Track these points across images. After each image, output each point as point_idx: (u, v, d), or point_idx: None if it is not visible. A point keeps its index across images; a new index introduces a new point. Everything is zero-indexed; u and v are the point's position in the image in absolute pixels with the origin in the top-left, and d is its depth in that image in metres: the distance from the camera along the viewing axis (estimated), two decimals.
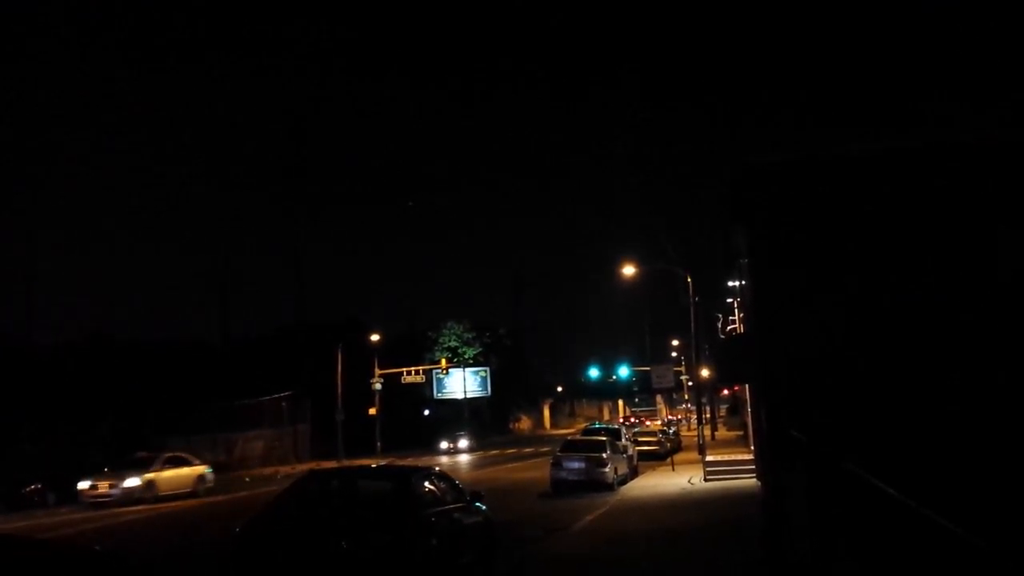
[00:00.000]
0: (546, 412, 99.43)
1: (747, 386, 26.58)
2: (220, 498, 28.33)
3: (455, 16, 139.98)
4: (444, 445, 56.19)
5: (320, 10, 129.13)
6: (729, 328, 39.70)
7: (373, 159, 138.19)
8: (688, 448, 43.29)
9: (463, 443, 57.59)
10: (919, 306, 12.41)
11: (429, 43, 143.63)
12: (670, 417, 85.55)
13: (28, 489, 27.97)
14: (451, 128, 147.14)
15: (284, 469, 42.61)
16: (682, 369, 59.25)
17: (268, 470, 43.46)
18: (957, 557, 4.68)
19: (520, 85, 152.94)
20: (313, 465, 38.89)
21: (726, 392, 61.44)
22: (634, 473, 29.56)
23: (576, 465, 25.08)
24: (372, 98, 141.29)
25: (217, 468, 39.21)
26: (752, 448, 26.53)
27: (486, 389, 70.55)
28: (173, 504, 26.65)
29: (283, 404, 50.25)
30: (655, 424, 58.79)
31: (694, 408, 56.03)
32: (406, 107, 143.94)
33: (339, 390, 47.95)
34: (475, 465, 40.54)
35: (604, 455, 25.38)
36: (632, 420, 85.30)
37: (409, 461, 36.93)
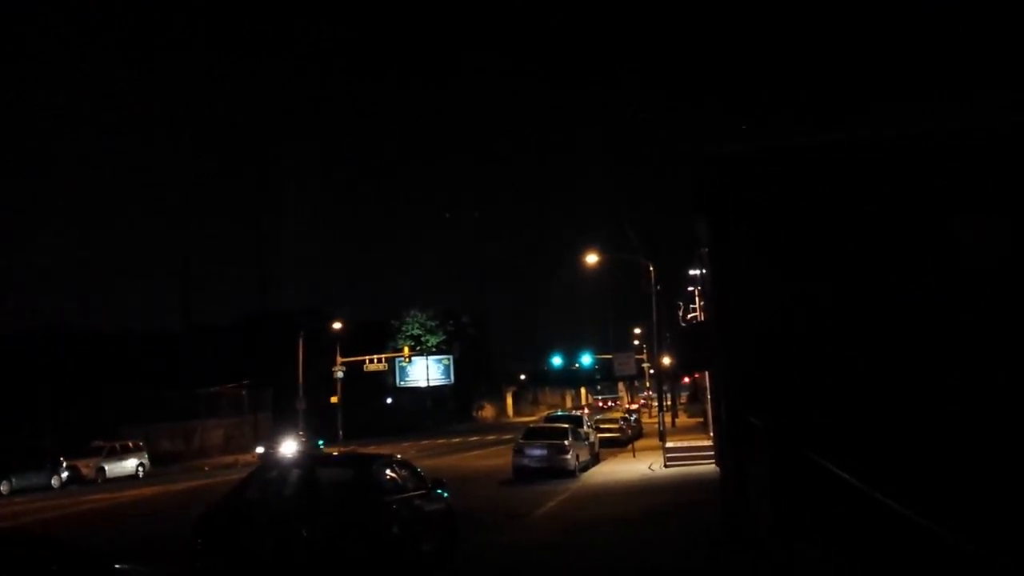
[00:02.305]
0: (509, 400, 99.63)
1: (707, 373, 26.91)
2: (178, 487, 28.04)
3: (416, 9, 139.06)
4: (260, 450, 40.49)
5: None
6: (690, 316, 40.12)
7: (334, 148, 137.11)
8: (649, 435, 43.73)
9: (288, 446, 39.48)
10: (875, 294, 12.66)
11: (391, 33, 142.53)
12: (633, 404, 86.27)
13: None
14: (415, 117, 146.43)
15: (244, 458, 42.19)
16: (644, 357, 59.75)
17: (228, 459, 43.03)
18: (908, 537, 4.79)
19: (487, 77, 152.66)
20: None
21: (687, 380, 62.08)
22: (596, 460, 29.78)
23: (538, 452, 25.21)
24: (335, 88, 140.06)
25: (176, 457, 38.89)
26: (711, 434, 26.88)
27: (449, 377, 70.37)
28: (129, 493, 26.34)
29: (243, 392, 49.75)
30: (618, 412, 59.06)
31: (655, 395, 56.57)
32: (363, 97, 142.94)
33: (300, 378, 47.55)
34: (438, 453, 40.54)
35: (566, 442, 25.53)
36: (606, 404, 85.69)
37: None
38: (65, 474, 30.43)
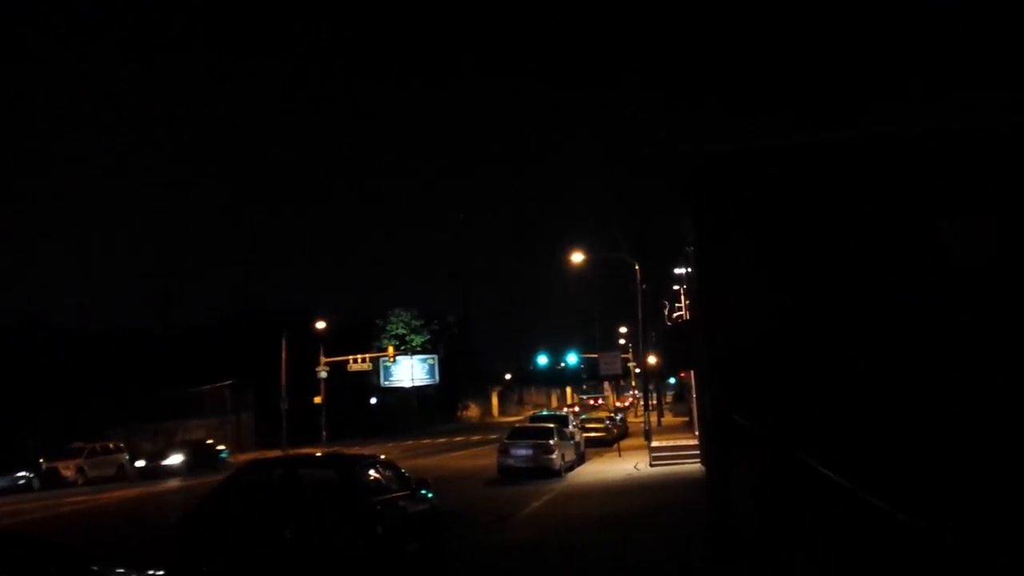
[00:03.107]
0: (495, 400, 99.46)
1: (693, 372, 26.88)
2: (159, 488, 27.72)
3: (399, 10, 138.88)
4: (141, 463, 34.27)
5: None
6: (676, 315, 40.11)
7: (320, 146, 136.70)
8: (635, 434, 43.72)
9: (175, 459, 34.62)
10: (872, 293, 12.61)
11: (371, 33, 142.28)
12: (623, 402, 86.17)
13: None
14: (402, 118, 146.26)
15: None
16: (630, 356, 59.77)
17: None
18: (892, 531, 4.76)
19: (474, 78, 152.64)
20: (256, 455, 38.20)
21: (673, 380, 62.09)
22: (581, 459, 29.69)
23: (523, 452, 25.08)
24: (318, 87, 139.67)
25: (157, 458, 38.38)
26: (697, 433, 26.85)
27: (434, 377, 70.11)
28: (110, 494, 26.01)
29: (225, 393, 49.25)
30: (604, 412, 58.95)
31: (641, 394, 56.53)
32: (360, 97, 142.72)
33: (283, 378, 47.16)
34: (422, 453, 40.37)
35: (551, 442, 25.42)
36: (597, 403, 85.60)
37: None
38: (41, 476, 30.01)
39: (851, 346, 12.40)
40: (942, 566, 4.04)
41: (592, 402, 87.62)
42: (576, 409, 64.94)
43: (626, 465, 26.73)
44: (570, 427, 30.47)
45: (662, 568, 11.02)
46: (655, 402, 50.02)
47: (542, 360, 77.55)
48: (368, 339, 67.14)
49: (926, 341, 12.06)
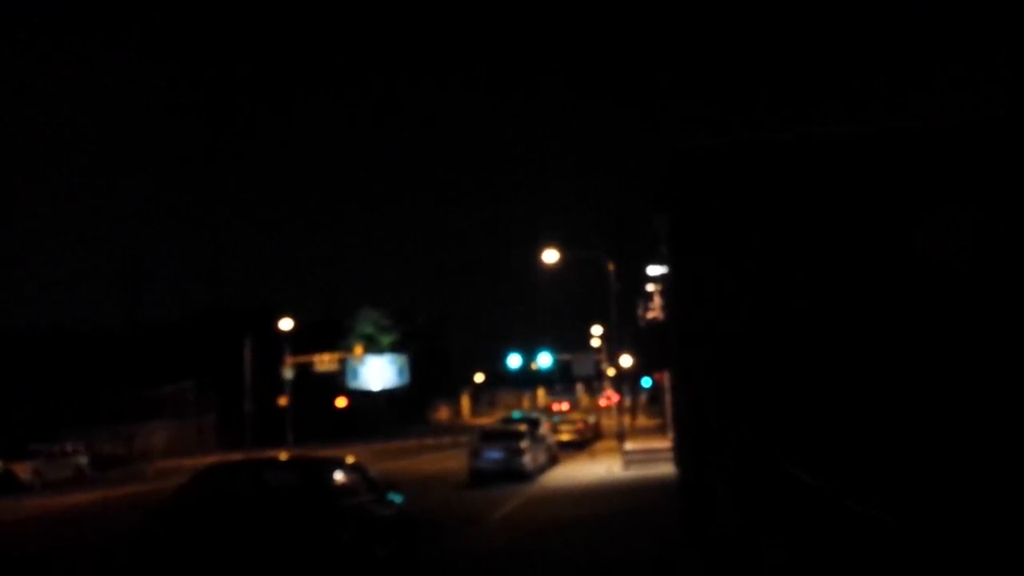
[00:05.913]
0: (466, 401, 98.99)
1: (668, 374, 26.69)
2: (119, 492, 27.03)
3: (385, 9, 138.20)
4: None
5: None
6: (650, 315, 39.91)
7: (290, 144, 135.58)
8: (609, 436, 43.51)
9: None
10: (836, 294, 12.46)
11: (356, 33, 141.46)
12: (605, 401, 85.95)
13: None
14: (377, 114, 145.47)
15: (188, 462, 40.87)
16: (602, 358, 59.47)
17: (171, 463, 41.68)
18: (865, 529, 4.64)
19: (451, 75, 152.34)
20: (219, 457, 37.37)
21: (647, 384, 61.96)
22: (553, 462, 29.41)
23: (494, 455, 24.71)
24: (288, 85, 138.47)
25: (117, 461, 37.64)
26: (671, 436, 26.66)
27: (404, 378, 69.25)
28: (69, 499, 25.30)
29: (188, 394, 48.27)
30: (578, 414, 58.65)
31: (616, 396, 56.34)
32: (331, 93, 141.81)
33: (247, 379, 46.20)
34: (392, 456, 39.83)
35: (523, 445, 25.06)
36: (581, 403, 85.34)
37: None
38: None
39: (828, 343, 12.22)
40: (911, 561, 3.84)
41: (580, 402, 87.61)
42: (565, 408, 64.70)
43: (599, 468, 26.47)
44: (542, 429, 30.10)
45: (630, 570, 10.77)
46: (629, 404, 49.88)
47: (513, 362, 76.59)
48: (336, 339, 66.18)
49: (903, 339, 11.93)
